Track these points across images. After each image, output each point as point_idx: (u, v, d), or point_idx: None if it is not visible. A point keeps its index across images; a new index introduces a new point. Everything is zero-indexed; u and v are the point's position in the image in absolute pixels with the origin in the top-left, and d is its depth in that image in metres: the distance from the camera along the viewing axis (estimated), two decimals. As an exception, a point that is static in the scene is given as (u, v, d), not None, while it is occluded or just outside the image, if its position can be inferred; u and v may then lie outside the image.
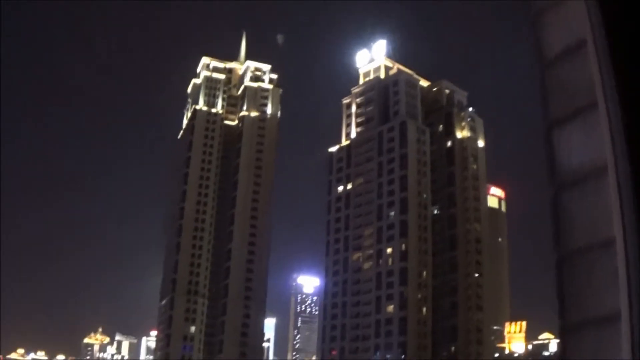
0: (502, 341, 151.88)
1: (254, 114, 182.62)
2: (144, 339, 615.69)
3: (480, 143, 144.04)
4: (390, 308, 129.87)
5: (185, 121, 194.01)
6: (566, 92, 4.69)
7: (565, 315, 4.77)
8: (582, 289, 4.55)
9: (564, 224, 4.74)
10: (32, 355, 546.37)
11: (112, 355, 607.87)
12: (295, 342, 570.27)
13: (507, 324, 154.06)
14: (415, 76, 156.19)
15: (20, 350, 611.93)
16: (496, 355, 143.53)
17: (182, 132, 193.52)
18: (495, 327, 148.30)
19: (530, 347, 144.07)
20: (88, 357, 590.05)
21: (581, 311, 4.59)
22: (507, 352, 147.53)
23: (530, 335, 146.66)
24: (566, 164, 4.79)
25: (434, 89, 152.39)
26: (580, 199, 4.60)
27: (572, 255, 4.53)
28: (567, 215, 4.72)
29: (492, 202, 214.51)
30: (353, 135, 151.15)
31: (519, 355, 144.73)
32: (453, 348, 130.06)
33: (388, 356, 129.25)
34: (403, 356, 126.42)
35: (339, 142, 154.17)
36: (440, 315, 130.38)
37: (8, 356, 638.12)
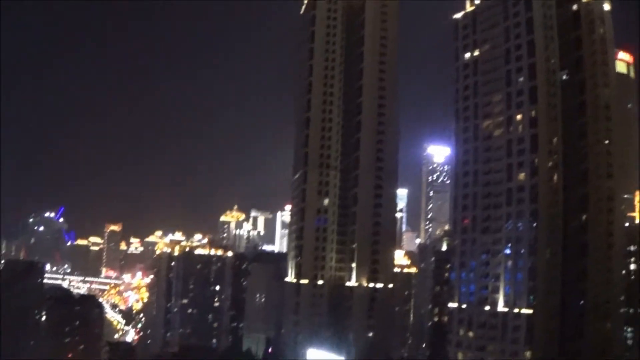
0: (633, 210, 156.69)
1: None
2: (278, 213, 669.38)
3: (606, 6, 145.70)
4: (522, 176, 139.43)
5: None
6: None
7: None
8: None
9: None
10: (170, 236, 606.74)
11: (249, 232, 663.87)
12: (427, 212, 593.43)
13: (637, 193, 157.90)
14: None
15: (158, 233, 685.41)
16: (626, 224, 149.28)
17: (304, 6, 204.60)
18: (625, 196, 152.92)
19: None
20: (225, 235, 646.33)
21: None
22: (637, 221, 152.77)
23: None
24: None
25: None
26: None
27: None
28: None
29: (621, 67, 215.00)
30: (477, 0, 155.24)
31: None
32: (584, 217, 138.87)
33: (519, 224, 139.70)
34: (534, 224, 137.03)
35: (463, 8, 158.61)
36: (570, 183, 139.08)
37: (146, 239, 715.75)
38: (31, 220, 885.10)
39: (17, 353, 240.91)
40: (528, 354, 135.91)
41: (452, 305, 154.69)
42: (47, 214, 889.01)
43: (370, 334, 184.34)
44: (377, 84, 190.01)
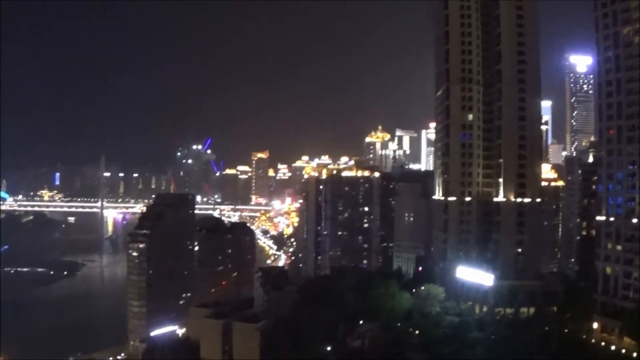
0: None
1: None
2: (423, 132, 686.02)
3: None
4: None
5: None
6: None
7: None
8: None
9: None
10: (316, 160, 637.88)
11: (394, 151, 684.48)
12: (572, 124, 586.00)
13: None
14: None
15: (305, 157, 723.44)
16: None
17: None
18: None
19: None
20: (371, 156, 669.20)
21: None
22: None
23: None
24: None
25: None
26: None
27: None
28: None
29: None
30: None
31: None
32: None
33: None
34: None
35: None
36: None
37: (294, 164, 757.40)
38: (179, 153, 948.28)
39: (172, 285, 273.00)
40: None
41: (600, 218, 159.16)
42: (194, 147, 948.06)
43: (519, 249, 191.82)
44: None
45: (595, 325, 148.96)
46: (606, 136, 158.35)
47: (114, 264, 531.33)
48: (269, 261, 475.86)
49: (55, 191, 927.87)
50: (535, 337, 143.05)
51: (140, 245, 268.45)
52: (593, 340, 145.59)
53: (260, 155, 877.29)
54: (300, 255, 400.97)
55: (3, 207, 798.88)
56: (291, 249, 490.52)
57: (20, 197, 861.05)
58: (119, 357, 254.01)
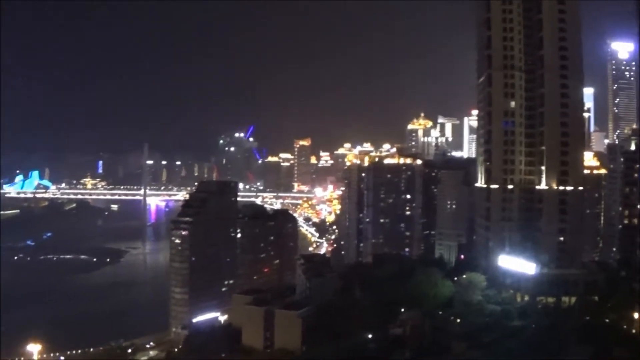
0: None
1: None
2: (465, 119, 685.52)
3: None
4: None
5: None
6: None
7: None
8: None
9: None
10: (358, 147, 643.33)
11: (437, 138, 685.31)
12: (615, 111, 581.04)
13: None
14: None
15: (347, 145, 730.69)
16: None
17: None
18: None
19: None
20: (413, 143, 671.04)
21: None
22: None
23: None
24: None
25: None
26: None
27: None
28: None
29: None
30: None
31: None
32: None
33: None
34: None
35: None
36: None
37: (336, 152, 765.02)
38: (221, 141, 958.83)
39: (215, 272, 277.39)
40: None
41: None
42: (237, 134, 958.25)
43: (561, 238, 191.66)
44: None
45: (636, 315, 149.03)
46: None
47: (157, 251, 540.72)
48: (311, 248, 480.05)
49: (98, 179, 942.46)
50: (576, 326, 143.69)
51: (183, 233, 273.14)
52: (634, 331, 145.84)
53: (302, 142, 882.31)
54: (342, 242, 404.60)
55: (46, 195, 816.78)
56: (333, 236, 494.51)
57: (63, 185, 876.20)
58: (148, 346, 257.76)
